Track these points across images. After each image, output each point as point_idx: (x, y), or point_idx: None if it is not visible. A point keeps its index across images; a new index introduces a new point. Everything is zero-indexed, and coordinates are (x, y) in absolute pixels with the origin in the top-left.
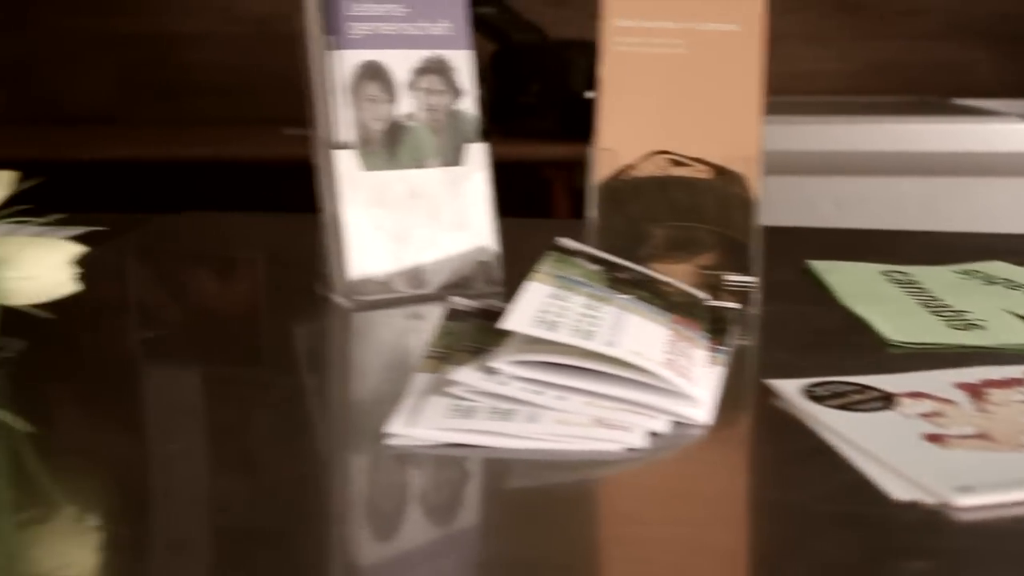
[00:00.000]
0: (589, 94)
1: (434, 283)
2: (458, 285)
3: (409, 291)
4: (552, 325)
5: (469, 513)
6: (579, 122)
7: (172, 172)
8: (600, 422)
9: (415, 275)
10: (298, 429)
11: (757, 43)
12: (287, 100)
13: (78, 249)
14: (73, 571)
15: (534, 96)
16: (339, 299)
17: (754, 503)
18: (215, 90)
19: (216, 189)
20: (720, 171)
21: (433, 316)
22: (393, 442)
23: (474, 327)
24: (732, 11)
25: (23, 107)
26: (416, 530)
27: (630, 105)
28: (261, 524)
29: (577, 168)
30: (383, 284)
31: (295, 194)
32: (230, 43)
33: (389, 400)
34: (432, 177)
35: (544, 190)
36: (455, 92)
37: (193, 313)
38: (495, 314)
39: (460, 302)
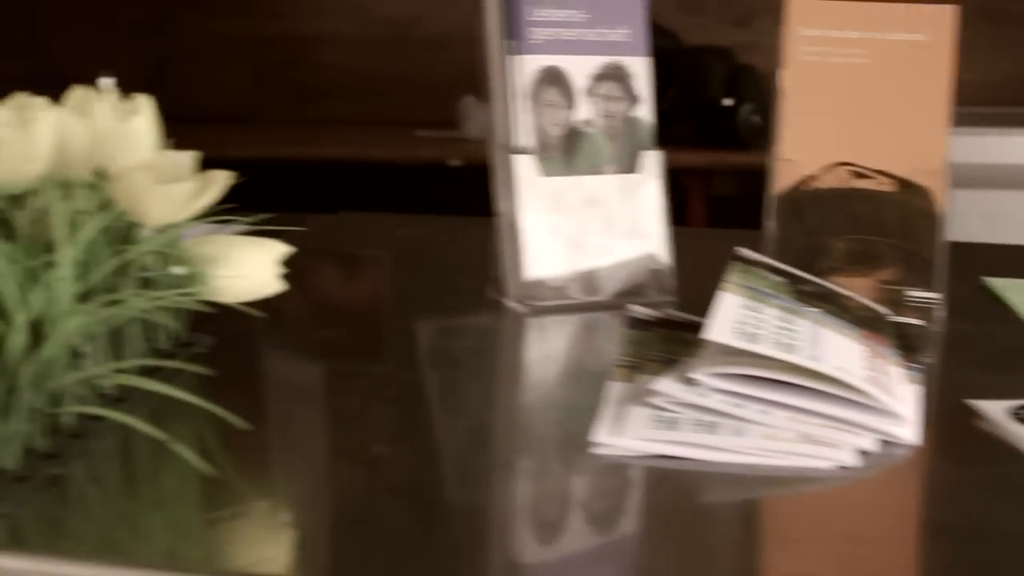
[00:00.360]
0: (727, 101)
1: (607, 290)
2: (631, 293)
3: (583, 298)
4: (752, 337)
5: (680, 527)
6: (716, 129)
7: (305, 172)
8: (807, 438)
9: (589, 282)
10: (483, 431)
11: (946, 54)
12: (419, 102)
13: (285, 249)
14: (269, 567)
15: (669, 102)
16: (512, 304)
17: (987, 530)
18: (347, 91)
19: (348, 189)
20: (904, 184)
21: (606, 323)
22: (599, 451)
23: (659, 336)
24: (920, 21)
25: (161, 105)
26: (633, 542)
27: (812, 115)
28: (459, 526)
29: (714, 176)
30: (557, 290)
31: (427, 195)
32: (363, 46)
33: (575, 406)
34: (608, 184)
35: (679, 198)
36: (632, 99)
37: (367, 314)
38: (676, 324)
39: (639, 310)
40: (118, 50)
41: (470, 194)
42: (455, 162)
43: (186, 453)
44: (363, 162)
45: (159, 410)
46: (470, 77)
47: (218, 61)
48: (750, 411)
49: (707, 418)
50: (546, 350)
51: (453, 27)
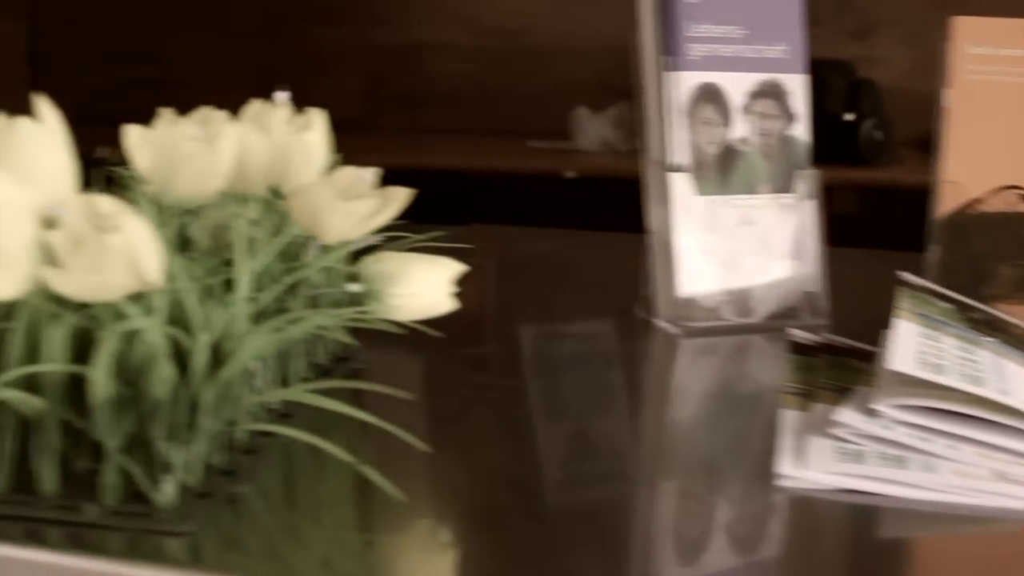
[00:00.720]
0: (848, 116)
1: (760, 312)
2: (784, 315)
3: (735, 319)
4: (938, 368)
5: (868, 563)
6: (837, 145)
7: (414, 180)
8: (1002, 476)
9: (742, 303)
10: (639, 452)
11: None
12: (531, 112)
13: (460, 267)
14: None
15: None
16: (663, 324)
17: None
18: (457, 100)
19: (460, 198)
20: None
21: (759, 346)
22: (784, 483)
23: (826, 363)
24: None
25: None
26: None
27: (978, 137)
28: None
29: (835, 193)
30: (710, 311)
31: (541, 207)
32: (475, 54)
33: (736, 430)
34: (763, 204)
35: None
36: (788, 117)
37: (515, 331)
38: (840, 349)
39: (799, 335)
40: (231, 57)
41: (585, 207)
42: (571, 174)
43: (376, 478)
44: (474, 172)
45: (318, 426)
46: (581, 88)
47: (329, 69)
48: (937, 445)
49: (893, 451)
50: (699, 372)
51: (564, 37)
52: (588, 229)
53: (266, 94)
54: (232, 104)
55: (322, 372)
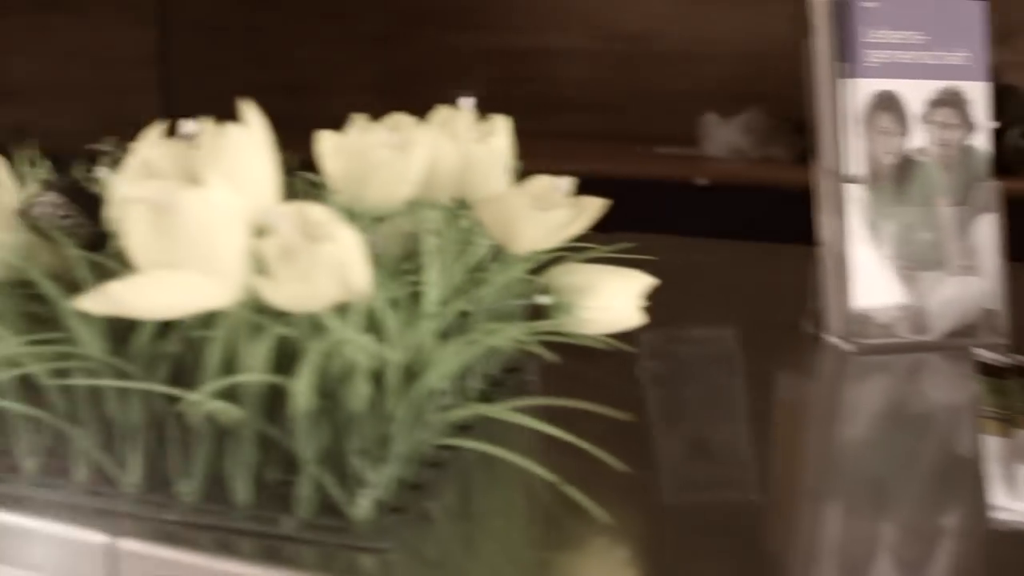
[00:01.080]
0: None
1: (937, 329)
2: (961, 333)
3: (911, 336)
4: None
5: None
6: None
7: None
8: None
9: (919, 319)
10: (819, 471)
11: None
12: (658, 118)
13: (650, 280)
14: None
15: None
16: (836, 340)
17: None
18: (583, 106)
19: None
20: None
21: (936, 366)
22: (1000, 515)
23: (1022, 386)
24: None
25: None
26: None
27: None
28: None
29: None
30: (884, 327)
31: (670, 213)
32: (601, 60)
33: (929, 456)
34: (942, 216)
35: None
36: (968, 127)
37: (683, 346)
38: None
39: (988, 356)
40: (359, 62)
41: (717, 214)
42: (703, 181)
43: (580, 498)
44: (601, 177)
45: (493, 438)
46: (709, 93)
47: (455, 74)
48: None
49: None
50: (877, 390)
51: (692, 43)
52: (720, 237)
53: (393, 98)
54: (359, 109)
55: (494, 383)
